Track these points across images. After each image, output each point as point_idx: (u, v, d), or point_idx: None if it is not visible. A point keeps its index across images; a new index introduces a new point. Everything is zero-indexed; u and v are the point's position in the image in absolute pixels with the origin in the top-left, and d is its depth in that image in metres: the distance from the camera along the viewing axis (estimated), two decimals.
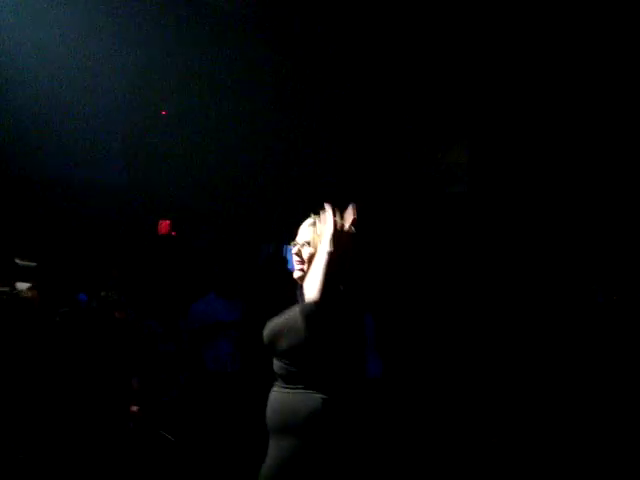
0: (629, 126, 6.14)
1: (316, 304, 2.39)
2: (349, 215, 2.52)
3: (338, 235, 2.44)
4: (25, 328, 3.20)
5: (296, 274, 2.67)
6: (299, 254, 2.67)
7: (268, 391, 2.59)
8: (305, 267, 2.64)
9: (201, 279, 6.08)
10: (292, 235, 2.72)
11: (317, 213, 2.66)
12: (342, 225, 2.49)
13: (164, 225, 6.50)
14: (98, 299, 4.50)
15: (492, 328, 6.20)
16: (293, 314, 2.54)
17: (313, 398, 2.45)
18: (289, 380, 2.52)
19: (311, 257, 2.60)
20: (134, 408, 4.12)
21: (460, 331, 6.32)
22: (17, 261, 3.19)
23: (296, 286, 2.68)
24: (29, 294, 2.41)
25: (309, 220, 2.73)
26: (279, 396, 2.55)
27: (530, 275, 6.37)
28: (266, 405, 2.58)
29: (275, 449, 2.50)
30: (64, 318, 4.12)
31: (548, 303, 6.11)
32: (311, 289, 2.42)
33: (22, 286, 3.01)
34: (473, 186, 6.90)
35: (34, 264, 3.28)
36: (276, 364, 2.58)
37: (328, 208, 2.49)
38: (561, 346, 5.71)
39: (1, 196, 5.94)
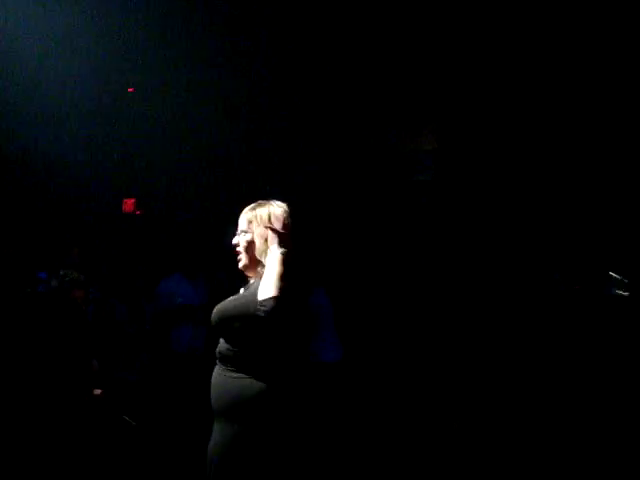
0: (595, 116, 6.23)
1: (275, 300, 2.38)
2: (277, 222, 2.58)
3: (281, 236, 2.51)
4: None
5: (240, 264, 2.67)
6: (237, 244, 2.67)
7: None
8: (245, 256, 2.64)
9: (165, 259, 6.01)
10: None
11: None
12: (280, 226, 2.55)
13: (128, 203, 6.40)
14: (57, 278, 4.41)
15: (455, 315, 6.26)
16: (245, 301, 2.54)
17: (257, 385, 2.45)
18: (234, 363, 2.51)
19: (249, 245, 2.62)
20: (97, 391, 4.05)
21: (424, 317, 6.37)
22: None
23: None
24: None
25: (247, 208, 2.71)
26: (222, 380, 2.54)
27: (493, 263, 6.44)
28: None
29: (218, 433, 2.51)
30: (24, 299, 4.03)
31: (511, 291, 6.19)
32: (268, 288, 2.42)
33: None
34: (439, 174, 6.93)
35: None
36: (223, 346, 2.57)
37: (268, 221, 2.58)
38: (523, 333, 5.80)
39: None
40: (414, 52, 6.59)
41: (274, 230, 2.55)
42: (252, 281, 2.64)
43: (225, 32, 6.48)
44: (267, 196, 2.72)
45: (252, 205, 2.70)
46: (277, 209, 2.64)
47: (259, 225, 2.62)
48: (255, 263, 2.62)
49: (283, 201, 2.69)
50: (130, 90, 6.73)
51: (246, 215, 2.68)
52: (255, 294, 2.47)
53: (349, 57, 6.67)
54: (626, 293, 5.31)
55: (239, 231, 2.68)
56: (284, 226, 2.58)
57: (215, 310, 2.62)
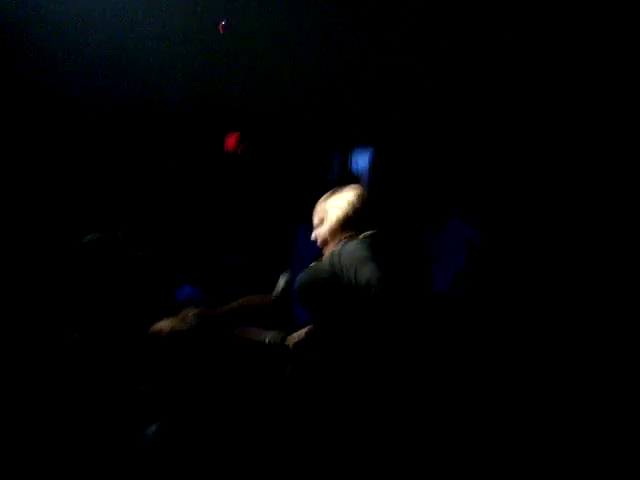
0: None
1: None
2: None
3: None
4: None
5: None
6: (316, 239, 2.83)
7: None
8: (325, 248, 2.80)
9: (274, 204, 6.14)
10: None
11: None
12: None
13: (231, 139, 5.93)
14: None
15: None
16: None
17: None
18: None
19: (324, 240, 2.79)
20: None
21: None
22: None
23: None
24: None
25: (320, 200, 2.84)
26: None
27: None
28: None
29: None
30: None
31: None
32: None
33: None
34: None
35: None
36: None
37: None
38: None
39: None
40: None
41: None
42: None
43: None
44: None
45: (324, 197, 2.82)
46: (339, 203, 2.76)
47: (326, 221, 2.77)
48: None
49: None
50: (222, 26, 5.25)
51: (317, 211, 2.83)
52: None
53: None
54: None
55: (315, 224, 2.83)
56: (354, 211, 2.73)
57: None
